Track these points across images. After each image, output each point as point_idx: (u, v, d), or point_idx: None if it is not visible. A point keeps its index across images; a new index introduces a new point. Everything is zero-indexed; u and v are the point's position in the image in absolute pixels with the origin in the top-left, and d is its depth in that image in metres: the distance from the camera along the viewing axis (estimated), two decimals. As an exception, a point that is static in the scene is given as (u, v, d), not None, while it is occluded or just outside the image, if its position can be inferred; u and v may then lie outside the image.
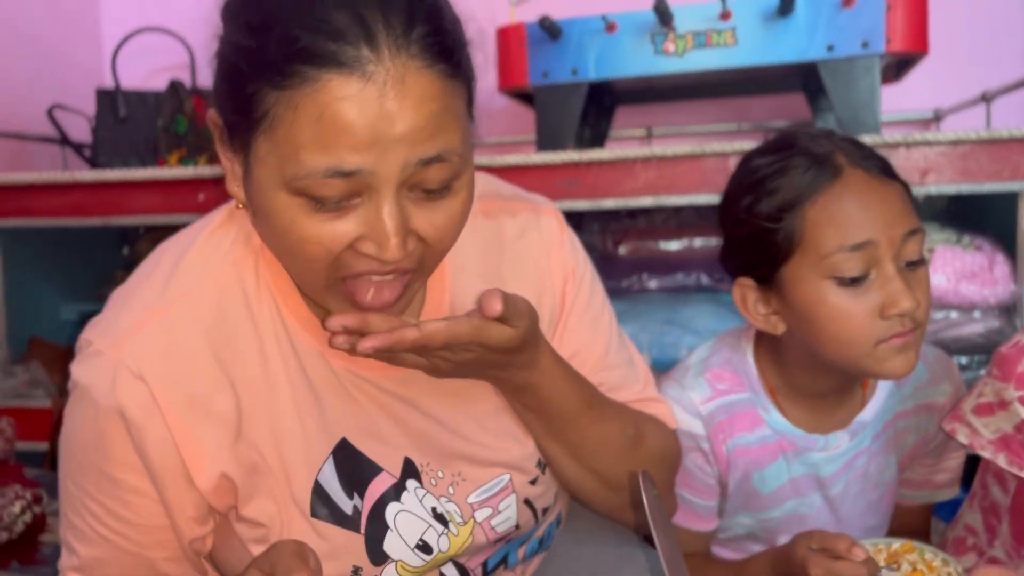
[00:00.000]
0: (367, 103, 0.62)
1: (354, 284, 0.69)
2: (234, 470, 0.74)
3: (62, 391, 1.88)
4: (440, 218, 0.69)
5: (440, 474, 0.83)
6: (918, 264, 0.93)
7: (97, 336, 0.75)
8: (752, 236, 0.97)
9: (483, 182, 0.90)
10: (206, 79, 2.22)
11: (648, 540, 0.85)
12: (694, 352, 1.12)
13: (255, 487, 0.76)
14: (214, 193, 1.75)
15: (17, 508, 1.32)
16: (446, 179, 0.68)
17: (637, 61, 1.67)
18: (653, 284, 1.90)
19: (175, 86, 2.01)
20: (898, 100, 2.18)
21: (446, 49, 0.65)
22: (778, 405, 1.05)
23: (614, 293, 1.97)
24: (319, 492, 0.77)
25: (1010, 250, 1.54)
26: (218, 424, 0.74)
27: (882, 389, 1.07)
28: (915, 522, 1.17)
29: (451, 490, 0.83)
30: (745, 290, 1.01)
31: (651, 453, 0.90)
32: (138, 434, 0.72)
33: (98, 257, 2.20)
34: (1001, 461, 0.88)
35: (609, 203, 1.62)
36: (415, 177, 0.66)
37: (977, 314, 1.55)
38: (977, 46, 2.16)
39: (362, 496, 0.79)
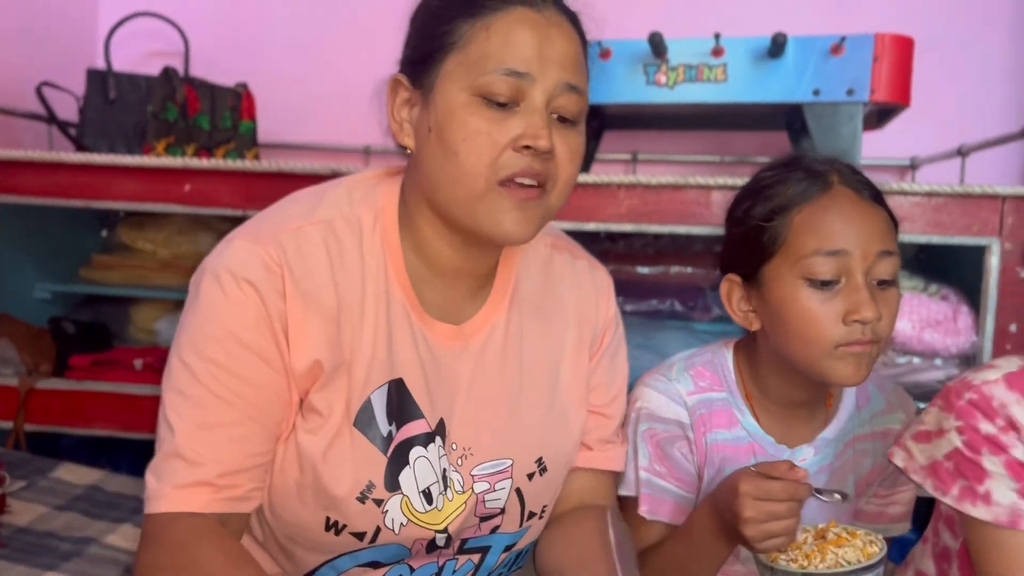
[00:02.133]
0: (539, 27, 0.86)
1: (507, 189, 0.86)
2: (326, 359, 0.88)
3: (30, 370, 1.86)
4: (571, 142, 0.90)
5: (454, 445, 0.96)
6: (888, 284, 1.00)
7: (239, 235, 0.90)
8: (744, 235, 1.05)
9: (556, 229, 1.12)
10: (200, 69, 2.23)
11: None
12: (677, 354, 1.18)
13: (330, 381, 0.89)
14: (200, 184, 1.75)
15: (-23, 486, 1.32)
16: (576, 112, 0.89)
17: (628, 89, 1.70)
18: (628, 308, 1.94)
19: (168, 73, 2.01)
20: (878, 146, 2.24)
21: (577, 21, 0.92)
22: (752, 411, 1.11)
23: (589, 313, 2.01)
24: (367, 409, 0.90)
25: (974, 302, 1.59)
26: (322, 320, 0.88)
27: (844, 410, 1.12)
28: None
29: (460, 461, 0.96)
30: (732, 285, 1.08)
31: None
32: (265, 308, 0.86)
33: (76, 238, 2.18)
34: (928, 487, 0.92)
35: (591, 226, 1.65)
36: (559, 100, 0.87)
37: (938, 361, 1.59)
38: (957, 101, 2.23)
39: (398, 428, 0.92)
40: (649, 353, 1.68)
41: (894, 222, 1.03)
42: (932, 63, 2.15)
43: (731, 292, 1.08)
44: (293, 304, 0.87)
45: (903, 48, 1.62)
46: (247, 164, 1.76)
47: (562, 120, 0.89)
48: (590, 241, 2.01)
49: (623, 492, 1.11)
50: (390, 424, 0.91)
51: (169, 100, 2.01)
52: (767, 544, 0.89)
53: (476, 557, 0.99)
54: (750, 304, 1.07)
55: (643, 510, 1.09)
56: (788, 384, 1.07)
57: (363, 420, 0.90)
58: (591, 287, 1.08)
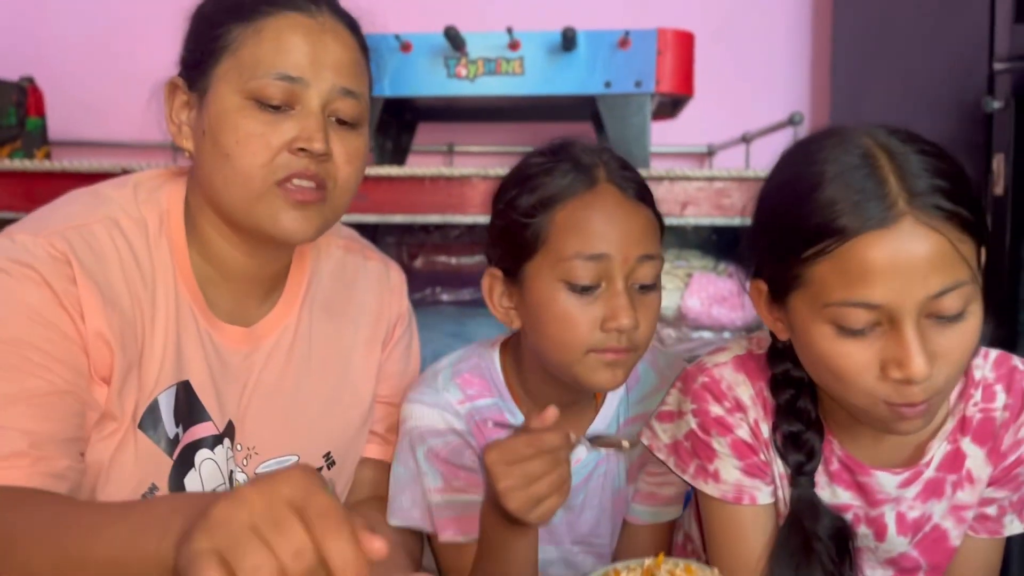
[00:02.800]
0: (312, 33, 0.88)
1: (284, 190, 0.87)
2: (119, 353, 0.86)
3: None
4: (350, 145, 0.90)
5: (239, 446, 0.96)
6: (650, 289, 0.97)
7: (19, 231, 0.86)
8: (506, 228, 0.99)
9: (349, 231, 1.13)
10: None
11: None
12: (442, 360, 1.14)
13: (123, 382, 0.86)
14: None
15: None
16: (354, 115, 0.90)
17: (431, 82, 1.72)
18: (445, 297, 1.96)
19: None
20: (677, 135, 2.37)
21: (355, 26, 0.94)
22: (523, 412, 1.08)
23: (408, 305, 2.03)
24: (153, 411, 0.89)
25: (757, 278, 1.72)
26: (115, 313, 0.86)
27: (612, 397, 1.12)
28: (650, 546, 1.15)
29: (245, 462, 0.96)
30: (493, 280, 1.03)
31: None
32: (54, 292, 0.83)
33: None
34: (671, 464, 0.97)
35: (398, 219, 1.66)
36: (335, 104, 0.88)
37: (727, 335, 1.72)
38: (744, 91, 2.39)
39: (185, 430, 0.91)
40: (460, 341, 1.71)
41: (659, 222, 1.01)
42: (720, 55, 2.30)
43: (492, 287, 1.03)
44: (85, 289, 0.84)
45: (685, 42, 1.72)
46: (27, 164, 1.65)
47: (341, 123, 0.90)
48: (404, 232, 2.03)
49: (399, 523, 1.04)
50: (177, 426, 0.90)
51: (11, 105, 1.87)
52: (539, 511, 0.83)
53: None
54: (512, 301, 1.02)
55: (446, 535, 1.02)
56: (550, 385, 1.04)
57: (148, 422, 0.88)
58: (383, 286, 1.10)
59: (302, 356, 1.01)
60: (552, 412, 0.85)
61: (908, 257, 0.74)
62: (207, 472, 0.92)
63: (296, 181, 0.87)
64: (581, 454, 1.11)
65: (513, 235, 0.98)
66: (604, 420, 1.12)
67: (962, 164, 0.79)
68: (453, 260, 2.01)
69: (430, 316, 1.85)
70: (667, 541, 1.16)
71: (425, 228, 2.00)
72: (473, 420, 1.06)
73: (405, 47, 1.70)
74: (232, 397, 0.95)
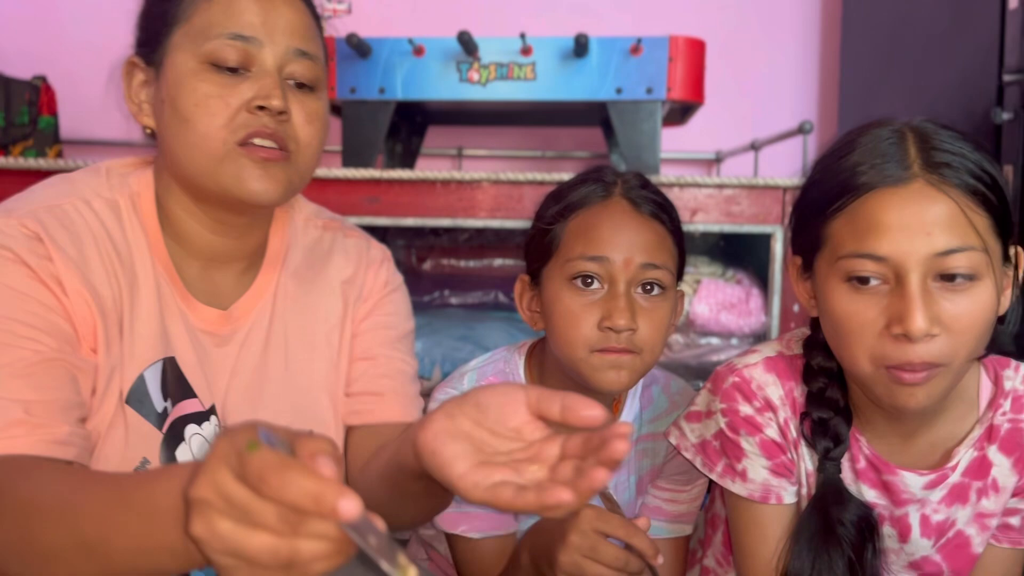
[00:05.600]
0: None
1: (247, 149, 0.87)
2: (100, 328, 0.86)
3: None
4: (309, 106, 0.91)
5: (223, 427, 0.95)
6: (655, 297, 1.01)
7: None
8: (534, 236, 1.07)
9: (331, 214, 1.12)
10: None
11: None
12: (470, 362, 1.17)
13: (106, 356, 0.86)
14: None
15: None
16: (312, 78, 0.91)
17: (443, 86, 1.73)
18: (454, 300, 1.97)
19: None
20: (687, 142, 2.38)
21: None
22: None
23: (416, 308, 2.02)
24: (140, 386, 0.89)
25: (765, 285, 1.73)
26: (92, 288, 0.85)
27: (628, 413, 1.15)
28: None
29: None
30: (523, 286, 1.10)
31: None
32: (31, 268, 0.83)
33: None
34: (698, 463, 0.99)
35: (409, 221, 1.67)
36: (291, 65, 0.89)
37: (735, 341, 1.72)
38: (753, 98, 2.40)
39: (174, 405, 0.91)
40: (469, 344, 1.72)
41: (677, 239, 1.04)
42: (730, 63, 2.31)
43: (522, 292, 1.10)
44: (61, 264, 0.84)
45: (696, 49, 1.73)
46: (40, 162, 1.66)
47: (300, 87, 0.91)
48: (413, 235, 2.04)
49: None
50: (165, 400, 0.90)
51: (23, 104, 1.88)
52: None
53: None
54: (537, 305, 1.07)
55: (462, 529, 1.05)
56: (573, 392, 1.07)
57: (136, 397, 0.89)
58: (362, 260, 1.07)
59: (279, 338, 1.00)
60: (644, 522, 0.90)
61: (916, 213, 0.78)
62: (197, 446, 0.93)
63: (257, 140, 0.87)
64: None
65: (537, 242, 1.06)
66: None
67: (991, 154, 0.82)
68: (462, 263, 2.02)
69: (439, 319, 1.86)
70: (679, 560, 1.15)
71: (434, 231, 2.01)
72: None
73: (418, 51, 1.71)
74: (216, 377, 0.95)
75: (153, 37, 0.91)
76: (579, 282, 1.00)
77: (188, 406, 0.92)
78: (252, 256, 1.00)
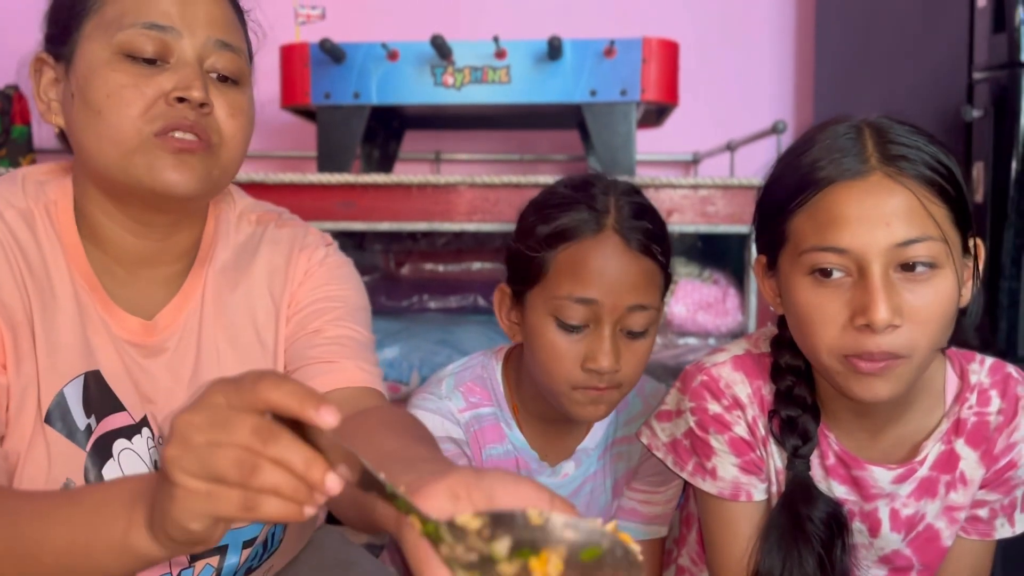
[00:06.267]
0: None
1: (163, 140, 0.83)
2: (9, 347, 0.83)
3: None
4: (231, 99, 0.88)
5: (163, 437, 0.91)
6: (639, 336, 1.00)
7: None
8: (518, 253, 1.03)
9: (271, 206, 1.06)
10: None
11: None
12: (447, 367, 1.17)
13: (18, 372, 0.83)
14: None
15: None
16: (235, 70, 0.87)
17: (418, 90, 1.73)
18: (432, 304, 1.97)
19: None
20: (664, 143, 2.39)
21: None
22: (520, 424, 1.11)
23: (394, 312, 2.03)
24: (60, 404, 0.85)
25: (741, 284, 1.74)
26: (1, 307, 0.83)
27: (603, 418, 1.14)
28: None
29: None
30: (503, 296, 1.08)
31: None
32: None
33: None
34: (669, 462, 0.99)
35: (384, 226, 1.67)
36: (212, 58, 0.86)
37: (712, 341, 1.73)
38: (729, 99, 2.42)
39: (98, 421, 0.87)
40: (447, 347, 1.72)
41: (665, 271, 1.03)
42: (705, 64, 2.33)
43: (502, 302, 1.08)
44: None
45: (669, 51, 1.74)
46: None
47: (223, 80, 0.88)
48: (391, 240, 2.03)
49: None
50: (88, 417, 0.86)
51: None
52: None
53: (215, 560, 0.93)
54: (517, 317, 1.06)
55: None
56: (543, 401, 1.07)
57: (56, 415, 0.85)
58: (294, 248, 1.00)
59: (211, 342, 0.94)
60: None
61: (875, 205, 0.79)
62: (127, 462, 0.88)
63: (177, 134, 0.83)
64: (569, 469, 1.13)
65: (521, 262, 1.03)
66: (593, 439, 1.14)
67: (949, 147, 0.83)
68: (440, 267, 2.01)
69: (417, 323, 1.85)
70: (655, 562, 1.16)
71: (412, 236, 2.00)
72: (472, 429, 1.09)
73: (392, 55, 1.71)
74: (147, 388, 0.90)
75: (62, 31, 0.87)
76: (566, 322, 0.98)
77: (115, 420, 0.88)
78: (180, 260, 0.94)
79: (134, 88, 0.82)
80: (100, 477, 0.85)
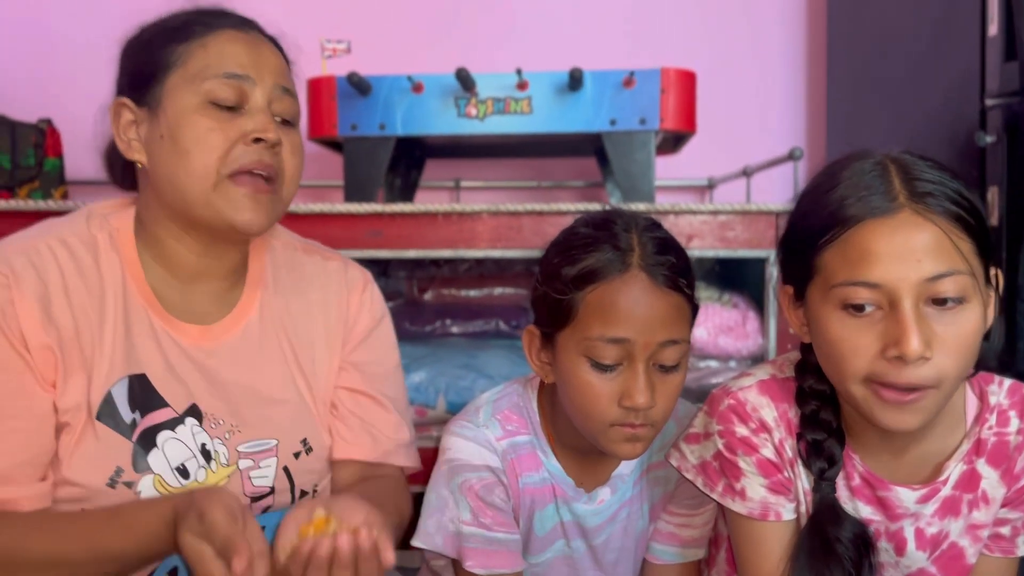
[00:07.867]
0: (249, 42, 1.02)
1: (237, 181, 0.98)
2: (60, 357, 0.96)
3: None
4: (293, 139, 1.04)
5: (222, 421, 1.04)
6: (671, 369, 1.02)
7: None
8: (546, 296, 1.05)
9: (307, 240, 1.22)
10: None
11: None
12: (483, 395, 1.19)
13: (68, 380, 0.96)
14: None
15: None
16: (293, 114, 1.04)
17: (442, 121, 1.78)
18: (455, 329, 2.00)
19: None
20: (679, 169, 2.43)
21: (278, 43, 1.08)
22: (555, 452, 1.14)
23: (418, 338, 2.06)
24: (108, 402, 0.98)
25: (761, 308, 1.77)
26: (55, 324, 0.96)
27: None
28: None
29: (227, 435, 1.04)
30: (532, 337, 1.09)
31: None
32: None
33: None
34: (699, 484, 1.02)
35: (411, 253, 1.70)
36: (277, 103, 1.01)
37: (733, 364, 1.75)
38: (744, 125, 2.46)
39: (143, 416, 0.99)
40: (472, 372, 1.75)
41: (692, 303, 1.05)
42: (720, 92, 2.37)
43: (531, 343, 1.10)
44: (23, 306, 0.94)
45: (687, 81, 1.78)
46: (46, 204, 1.69)
47: (284, 123, 1.03)
48: (414, 267, 2.07)
49: (423, 545, 1.10)
50: (133, 412, 0.99)
51: (30, 146, 1.93)
52: None
53: None
54: (548, 358, 1.08)
55: (469, 564, 1.07)
56: (579, 435, 1.09)
57: (105, 412, 0.97)
58: (341, 283, 1.17)
59: (264, 348, 1.09)
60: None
61: (905, 241, 0.82)
62: (171, 449, 1.00)
63: (252, 170, 0.98)
64: (605, 495, 1.15)
65: (549, 304, 1.04)
66: (628, 465, 1.16)
67: (967, 182, 0.87)
68: (463, 293, 2.05)
69: (441, 348, 1.88)
70: None
71: (435, 262, 2.04)
72: (508, 457, 1.11)
73: (417, 88, 1.76)
74: (197, 386, 1.03)
75: (147, 81, 1.00)
76: (599, 362, 1.00)
77: (159, 416, 1.00)
78: (231, 275, 1.09)
79: (220, 132, 0.97)
80: (146, 464, 0.98)
